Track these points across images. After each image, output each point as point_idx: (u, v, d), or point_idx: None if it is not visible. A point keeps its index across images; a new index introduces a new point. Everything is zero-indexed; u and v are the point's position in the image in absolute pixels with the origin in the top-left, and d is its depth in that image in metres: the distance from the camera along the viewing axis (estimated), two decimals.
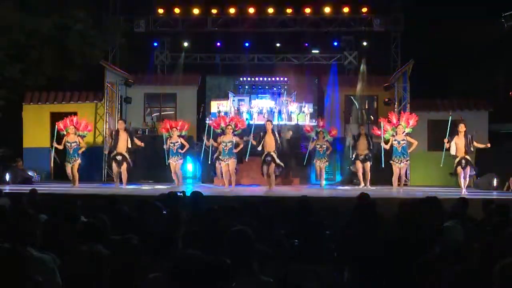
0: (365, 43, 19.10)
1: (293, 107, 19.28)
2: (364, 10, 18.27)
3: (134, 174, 14.68)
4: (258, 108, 19.09)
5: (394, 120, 13.88)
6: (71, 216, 5.01)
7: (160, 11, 18.51)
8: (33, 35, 16.25)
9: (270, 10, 18.31)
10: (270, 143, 13.57)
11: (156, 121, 17.72)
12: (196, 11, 18.39)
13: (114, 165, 13.68)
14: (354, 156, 14.64)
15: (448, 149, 12.79)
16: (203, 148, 14.85)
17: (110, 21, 17.52)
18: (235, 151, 13.46)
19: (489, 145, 13.35)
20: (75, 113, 15.94)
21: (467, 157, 12.70)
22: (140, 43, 19.06)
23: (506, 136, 17.08)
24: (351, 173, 15.45)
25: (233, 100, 19.33)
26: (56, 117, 15.83)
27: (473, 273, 3.60)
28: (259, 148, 13.51)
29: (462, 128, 12.72)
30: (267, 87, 20.19)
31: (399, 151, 13.51)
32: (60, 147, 14.01)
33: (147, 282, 3.60)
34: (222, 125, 14.02)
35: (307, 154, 14.99)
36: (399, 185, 13.89)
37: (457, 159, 12.71)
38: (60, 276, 3.75)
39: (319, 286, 3.87)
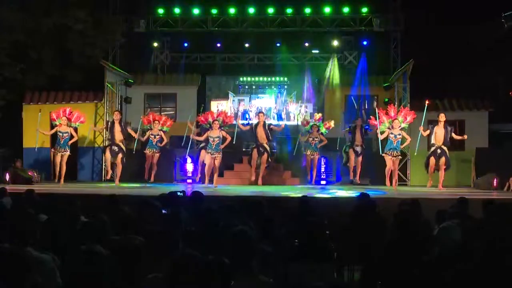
0: (365, 43, 19.13)
1: (293, 107, 19.27)
2: (364, 10, 18.26)
3: (134, 174, 14.65)
4: (257, 108, 19.03)
5: (392, 114, 13.92)
6: (71, 216, 5.01)
7: (160, 11, 18.49)
8: (33, 35, 16.24)
9: (270, 10, 18.31)
10: (261, 135, 13.89)
11: None
12: (196, 11, 18.39)
13: (107, 153, 13.77)
14: (349, 144, 14.93)
15: (425, 137, 13.38)
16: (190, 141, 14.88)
17: (110, 21, 17.49)
18: (221, 146, 13.46)
19: (465, 136, 13.76)
20: None
21: (444, 148, 13.05)
22: (140, 43, 19.05)
23: (506, 136, 17.05)
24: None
25: (233, 100, 19.32)
26: None
27: (473, 273, 3.59)
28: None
29: (442, 117, 13.30)
30: (267, 87, 20.20)
31: (394, 144, 13.56)
32: (46, 132, 14.22)
33: (147, 282, 3.59)
34: (210, 119, 14.09)
35: (296, 145, 15.20)
36: (394, 182, 13.84)
37: (433, 148, 13.18)
38: (60, 276, 3.75)
39: (319, 285, 3.87)
